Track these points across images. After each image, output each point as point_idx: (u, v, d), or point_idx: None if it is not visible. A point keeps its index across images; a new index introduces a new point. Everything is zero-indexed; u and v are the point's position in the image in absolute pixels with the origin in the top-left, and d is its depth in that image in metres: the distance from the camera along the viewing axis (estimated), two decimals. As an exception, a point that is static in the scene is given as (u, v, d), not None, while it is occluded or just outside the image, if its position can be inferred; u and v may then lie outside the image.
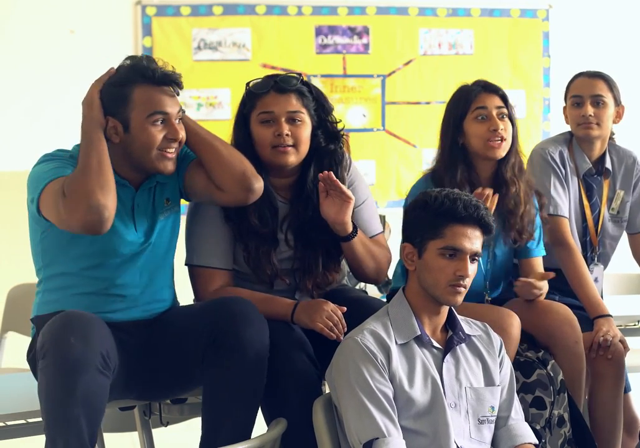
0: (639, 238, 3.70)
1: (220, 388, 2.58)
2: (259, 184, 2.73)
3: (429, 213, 2.58)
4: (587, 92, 3.53)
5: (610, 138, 3.66)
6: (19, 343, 3.72)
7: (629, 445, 3.52)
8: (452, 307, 2.64)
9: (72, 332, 2.41)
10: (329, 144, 2.92)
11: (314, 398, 2.60)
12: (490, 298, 3.18)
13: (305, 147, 2.86)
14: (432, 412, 2.52)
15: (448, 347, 2.60)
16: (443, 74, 5.81)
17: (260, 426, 2.69)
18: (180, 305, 2.89)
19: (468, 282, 2.56)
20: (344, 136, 2.99)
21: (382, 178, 5.76)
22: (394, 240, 3.18)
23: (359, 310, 2.75)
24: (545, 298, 3.17)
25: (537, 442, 2.65)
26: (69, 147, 2.73)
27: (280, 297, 2.83)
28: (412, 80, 5.80)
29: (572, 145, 3.59)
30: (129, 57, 2.69)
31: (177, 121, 2.65)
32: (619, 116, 3.59)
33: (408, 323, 2.58)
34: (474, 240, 2.57)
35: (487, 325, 2.72)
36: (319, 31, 5.70)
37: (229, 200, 2.76)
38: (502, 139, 3.12)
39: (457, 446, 2.51)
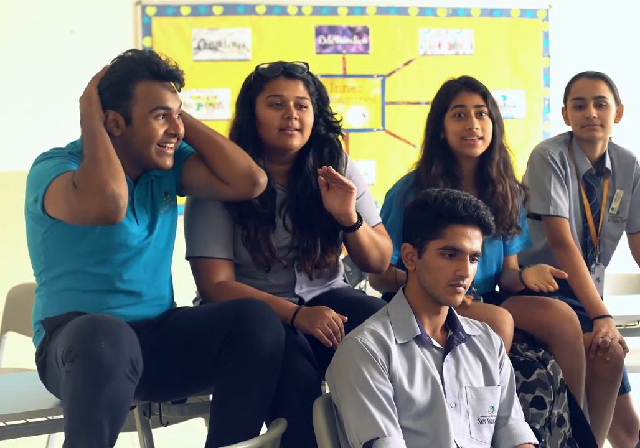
0: (638, 238, 3.71)
1: (233, 388, 2.57)
2: (264, 179, 2.78)
3: (429, 213, 2.58)
4: (589, 94, 3.52)
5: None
6: (19, 343, 3.72)
7: (629, 445, 3.53)
8: (452, 307, 2.64)
9: (102, 337, 2.38)
10: (329, 132, 2.97)
11: (314, 399, 2.60)
12: (477, 293, 3.18)
13: (308, 132, 2.91)
14: (432, 412, 2.52)
15: (448, 346, 2.60)
16: (443, 74, 5.65)
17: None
18: (177, 304, 2.89)
19: (468, 282, 2.56)
20: (342, 132, 3.02)
21: (382, 178, 5.75)
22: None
23: (359, 310, 2.74)
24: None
25: (537, 441, 2.65)
26: (67, 147, 2.74)
27: (283, 299, 2.83)
28: (412, 80, 5.80)
29: (572, 146, 3.59)
30: (132, 50, 2.70)
31: (177, 117, 2.68)
32: (619, 115, 3.60)
33: (408, 323, 2.58)
34: (474, 240, 2.57)
35: (487, 325, 2.72)
36: (319, 31, 5.70)
37: (234, 193, 2.78)
38: (479, 138, 3.14)
39: (457, 446, 2.51)
